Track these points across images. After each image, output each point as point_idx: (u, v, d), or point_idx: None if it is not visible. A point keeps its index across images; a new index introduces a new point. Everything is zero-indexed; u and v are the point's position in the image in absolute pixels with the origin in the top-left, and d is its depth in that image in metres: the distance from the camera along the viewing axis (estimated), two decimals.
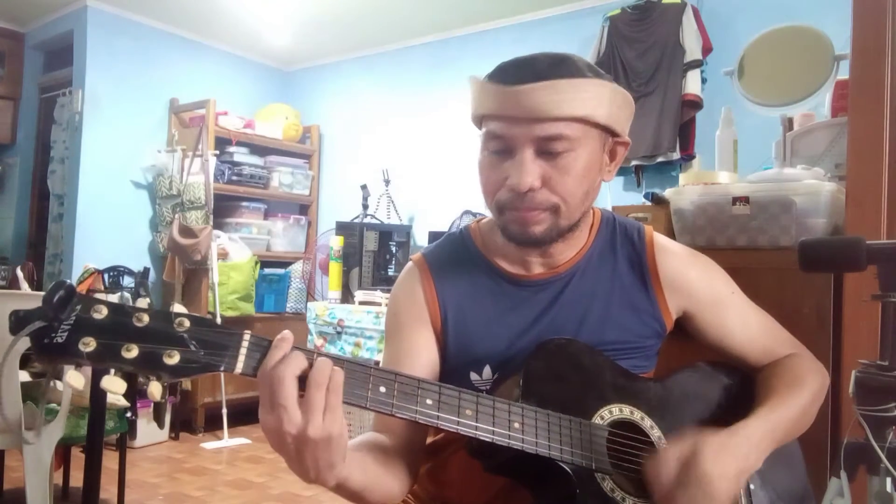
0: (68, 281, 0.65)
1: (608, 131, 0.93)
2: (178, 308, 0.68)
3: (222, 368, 0.67)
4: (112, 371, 0.65)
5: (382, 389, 0.74)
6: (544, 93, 0.85)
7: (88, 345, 0.63)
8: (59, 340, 0.63)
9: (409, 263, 1.07)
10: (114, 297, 2.41)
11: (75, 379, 0.63)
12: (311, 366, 0.68)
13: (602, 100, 0.89)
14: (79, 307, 0.64)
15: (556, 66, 0.87)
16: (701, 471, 0.80)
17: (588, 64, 0.91)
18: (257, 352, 0.69)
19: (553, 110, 0.85)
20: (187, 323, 0.67)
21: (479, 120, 0.95)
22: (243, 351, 0.69)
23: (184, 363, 0.66)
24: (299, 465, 0.70)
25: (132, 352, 0.64)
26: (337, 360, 0.70)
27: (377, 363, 0.89)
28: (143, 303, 0.69)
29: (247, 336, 0.69)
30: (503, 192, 0.91)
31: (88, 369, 1.52)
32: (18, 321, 0.62)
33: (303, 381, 0.68)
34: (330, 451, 0.69)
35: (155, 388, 0.66)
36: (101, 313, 0.65)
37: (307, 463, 0.69)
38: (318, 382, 0.67)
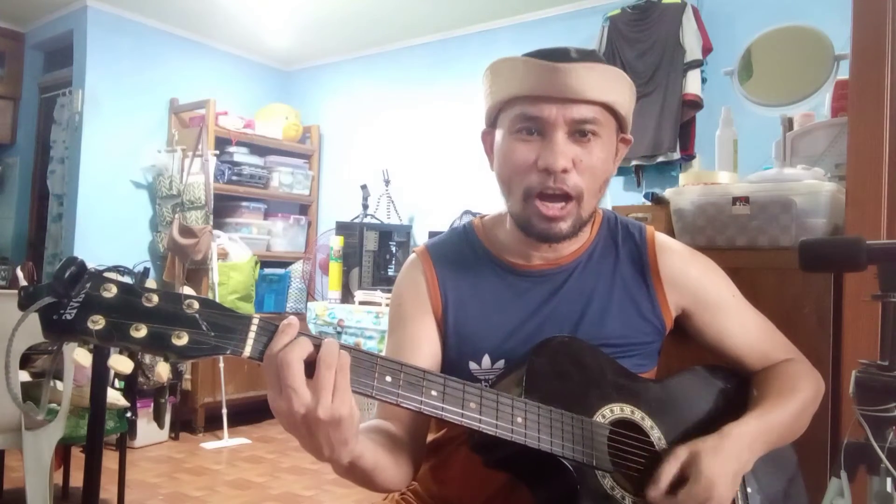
0: (79, 257, 0.64)
1: (620, 125, 0.96)
2: (186, 290, 0.67)
3: (229, 352, 0.67)
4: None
5: (388, 379, 0.74)
6: (585, 73, 0.88)
7: (97, 323, 0.63)
8: (68, 317, 0.62)
9: (412, 255, 1.07)
10: None
11: (83, 357, 0.63)
12: (317, 349, 0.68)
13: (625, 92, 0.94)
14: (88, 285, 0.64)
15: (588, 54, 0.92)
16: (702, 475, 0.82)
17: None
18: (265, 336, 0.69)
19: (589, 91, 0.89)
20: (196, 305, 0.66)
21: (503, 105, 0.95)
22: (251, 335, 0.68)
23: (192, 344, 0.65)
24: (312, 445, 0.71)
25: (141, 331, 0.64)
26: (343, 346, 0.71)
27: None
28: (151, 283, 0.68)
29: (255, 320, 0.69)
30: (533, 176, 0.92)
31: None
32: (28, 297, 0.61)
33: (308, 366, 0.68)
34: (341, 430, 0.69)
35: (162, 369, 0.66)
36: (111, 292, 0.64)
37: (320, 441, 0.70)
38: (328, 363, 0.68)
